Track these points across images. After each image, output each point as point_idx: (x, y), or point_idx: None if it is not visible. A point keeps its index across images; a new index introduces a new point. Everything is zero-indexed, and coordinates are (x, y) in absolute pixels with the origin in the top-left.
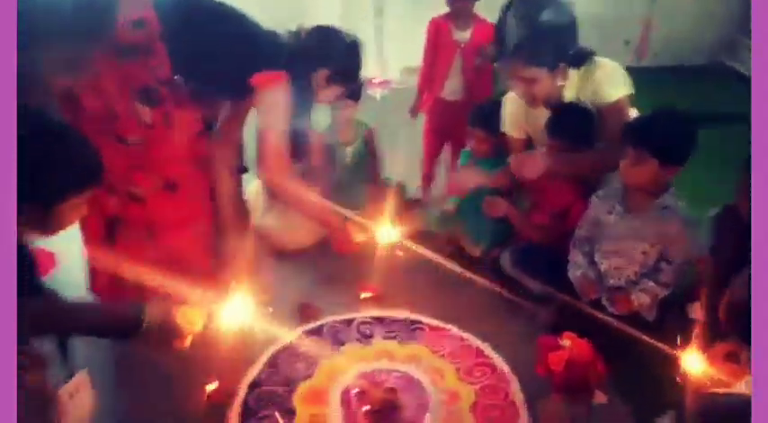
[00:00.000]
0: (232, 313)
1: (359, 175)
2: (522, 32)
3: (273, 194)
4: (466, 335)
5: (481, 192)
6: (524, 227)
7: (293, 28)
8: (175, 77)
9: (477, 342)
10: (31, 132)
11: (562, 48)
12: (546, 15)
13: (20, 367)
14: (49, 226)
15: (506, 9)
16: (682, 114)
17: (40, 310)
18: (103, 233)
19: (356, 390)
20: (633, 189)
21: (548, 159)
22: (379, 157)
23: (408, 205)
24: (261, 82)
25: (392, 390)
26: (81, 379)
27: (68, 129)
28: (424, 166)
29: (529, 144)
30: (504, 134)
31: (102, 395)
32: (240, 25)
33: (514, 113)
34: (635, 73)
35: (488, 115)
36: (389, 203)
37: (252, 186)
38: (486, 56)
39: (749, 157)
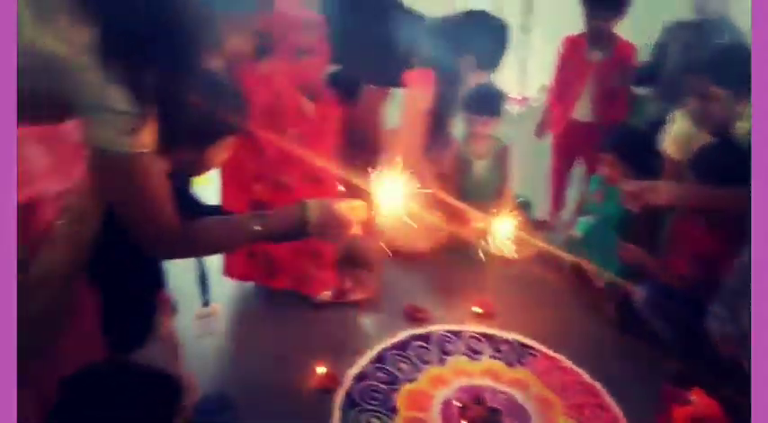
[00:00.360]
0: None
1: (488, 190)
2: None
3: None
4: (579, 370)
5: (610, 219)
6: (660, 274)
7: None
8: (334, 69)
9: (589, 379)
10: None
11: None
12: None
13: (154, 310)
14: (198, 167)
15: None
16: None
17: (210, 224)
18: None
19: (459, 403)
20: None
21: (680, 191)
22: (510, 176)
23: (534, 226)
24: (411, 79)
25: (496, 410)
26: (215, 307)
27: (227, 84)
28: (552, 187)
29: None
30: (653, 157)
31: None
32: (398, 19)
33: (680, 133)
34: None
35: (622, 140)
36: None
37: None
38: (626, 77)
39: None
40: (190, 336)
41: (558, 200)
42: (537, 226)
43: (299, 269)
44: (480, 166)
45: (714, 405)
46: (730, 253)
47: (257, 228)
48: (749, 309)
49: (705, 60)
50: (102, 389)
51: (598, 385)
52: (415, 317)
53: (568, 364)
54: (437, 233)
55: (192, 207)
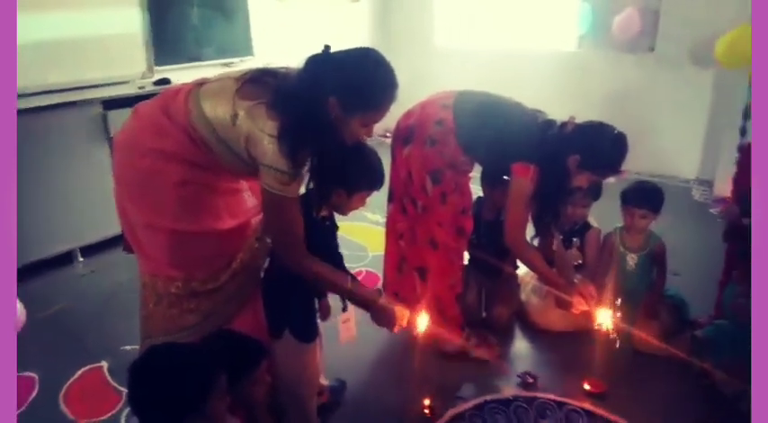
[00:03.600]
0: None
1: (641, 285)
2: None
3: (515, 251)
4: None
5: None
6: None
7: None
8: (462, 159)
9: None
10: (351, 151)
11: None
12: None
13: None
14: (342, 208)
15: None
16: None
17: (325, 269)
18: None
19: None
20: None
21: None
22: (665, 273)
23: (684, 325)
24: (516, 170)
25: None
26: (351, 313)
27: (374, 154)
28: (717, 292)
29: None
30: None
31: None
32: (511, 122)
33: None
34: None
35: None
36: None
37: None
38: None
39: None
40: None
41: (719, 306)
42: (687, 326)
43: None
44: (634, 258)
45: None
46: None
47: (348, 287)
48: None
49: None
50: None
51: None
52: (525, 381)
53: None
54: (574, 317)
55: (329, 246)
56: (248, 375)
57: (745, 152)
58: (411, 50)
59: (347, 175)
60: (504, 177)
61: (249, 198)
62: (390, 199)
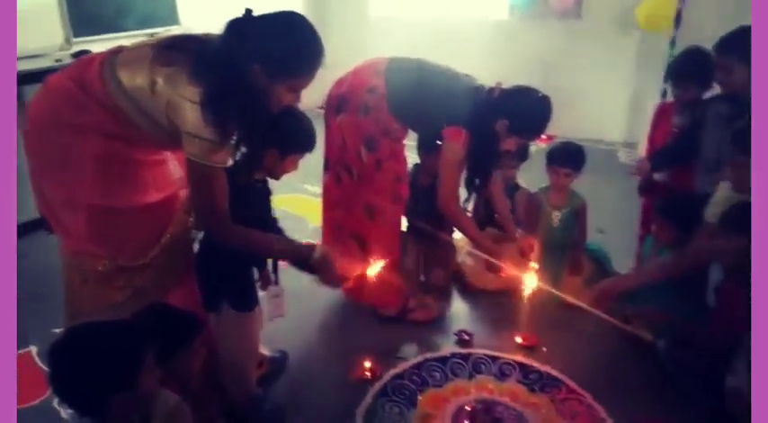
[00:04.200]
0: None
1: (564, 240)
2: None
3: (447, 215)
4: (599, 406)
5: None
6: (692, 334)
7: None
8: (396, 126)
9: (604, 414)
10: (281, 113)
11: None
12: None
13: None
14: (275, 171)
15: None
16: None
17: (256, 234)
18: None
19: (469, 408)
20: None
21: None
22: (585, 226)
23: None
24: (448, 135)
25: (498, 420)
26: (280, 289)
27: (306, 117)
28: (637, 245)
29: None
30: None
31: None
32: (442, 87)
33: (722, 198)
34: None
35: (675, 207)
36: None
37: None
38: None
39: None
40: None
41: (639, 258)
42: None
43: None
44: (557, 216)
45: None
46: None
47: (275, 248)
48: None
49: (733, 132)
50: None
51: (610, 421)
52: (462, 338)
53: (589, 398)
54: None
55: (262, 210)
56: (182, 349)
57: (659, 112)
58: (345, 20)
59: (280, 136)
60: (438, 143)
61: (176, 169)
62: (325, 168)
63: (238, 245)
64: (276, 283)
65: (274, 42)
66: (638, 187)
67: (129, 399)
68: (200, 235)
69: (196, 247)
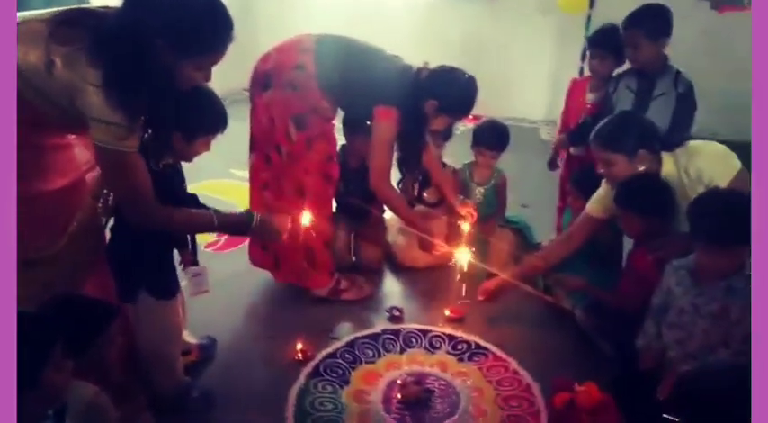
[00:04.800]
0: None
1: (487, 214)
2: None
3: (378, 195)
4: (523, 371)
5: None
6: (605, 299)
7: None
8: (324, 105)
9: (529, 379)
10: (189, 92)
11: (644, 135)
12: None
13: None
14: (185, 155)
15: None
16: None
17: (186, 212)
18: None
19: (400, 381)
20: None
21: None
22: (505, 200)
23: (529, 248)
24: (378, 114)
25: (428, 390)
26: (202, 267)
27: (212, 94)
28: (556, 217)
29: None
30: None
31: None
32: (372, 66)
33: (601, 194)
34: None
35: (586, 179)
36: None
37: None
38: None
39: None
40: None
41: (559, 229)
42: (532, 249)
43: (299, 266)
44: (480, 192)
45: (594, 395)
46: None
47: (215, 222)
48: (667, 323)
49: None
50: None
51: (535, 384)
52: (393, 314)
53: (514, 364)
54: (437, 254)
55: (177, 193)
56: (96, 340)
57: (571, 88)
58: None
59: (184, 118)
60: (368, 123)
61: (82, 152)
62: (252, 149)
63: (171, 225)
64: (195, 262)
65: (177, 16)
66: (547, 162)
67: (38, 396)
68: (111, 222)
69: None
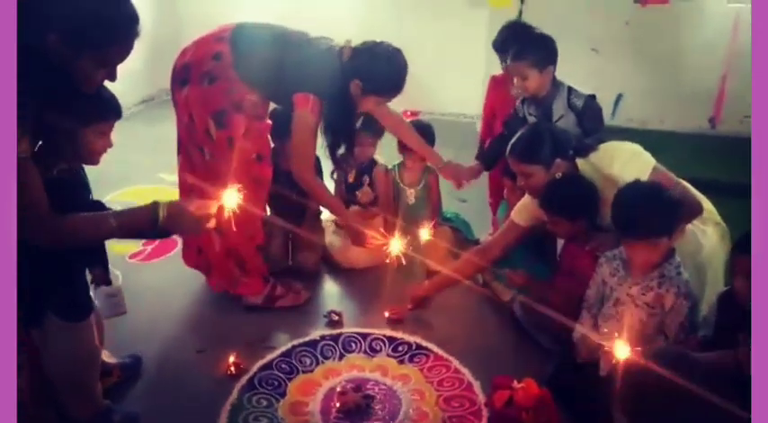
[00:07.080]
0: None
1: (421, 215)
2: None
3: (302, 185)
4: (464, 369)
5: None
6: (546, 294)
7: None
8: (250, 98)
9: (470, 377)
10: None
11: (557, 144)
12: None
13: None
14: (84, 155)
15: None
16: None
17: (76, 219)
18: None
19: (339, 389)
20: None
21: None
22: (438, 200)
23: (467, 245)
24: (296, 102)
25: (368, 396)
26: (116, 288)
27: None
28: (491, 210)
29: None
30: None
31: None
32: (291, 50)
33: (525, 203)
34: None
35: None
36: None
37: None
38: None
39: (743, 238)
40: None
41: (495, 224)
42: (471, 245)
43: (230, 272)
44: (412, 193)
45: (533, 393)
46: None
47: (114, 223)
48: (602, 315)
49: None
50: None
51: (476, 382)
52: (331, 319)
53: (455, 363)
54: (376, 254)
55: (77, 202)
56: None
57: (491, 83)
58: None
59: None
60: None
61: None
62: (178, 151)
63: (67, 234)
64: (108, 282)
65: (73, 7)
66: (475, 156)
67: None
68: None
69: None
